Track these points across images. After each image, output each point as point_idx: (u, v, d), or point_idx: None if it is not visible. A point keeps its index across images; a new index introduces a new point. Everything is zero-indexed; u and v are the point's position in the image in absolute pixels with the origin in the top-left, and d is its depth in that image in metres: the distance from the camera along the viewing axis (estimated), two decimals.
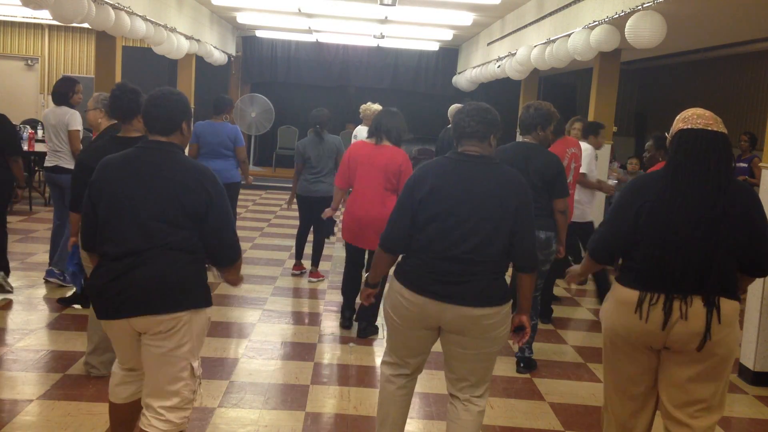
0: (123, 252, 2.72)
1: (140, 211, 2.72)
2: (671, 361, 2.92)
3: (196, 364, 2.83)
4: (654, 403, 3.06)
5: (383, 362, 3.30)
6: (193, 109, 13.27)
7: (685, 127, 2.90)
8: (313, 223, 6.97)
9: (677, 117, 2.99)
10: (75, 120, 6.12)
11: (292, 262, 7.57)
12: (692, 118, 2.91)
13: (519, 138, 4.89)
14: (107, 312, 2.79)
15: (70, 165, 5.99)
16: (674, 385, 2.92)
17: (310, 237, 7.08)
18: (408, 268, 3.05)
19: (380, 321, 5.49)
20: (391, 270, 3.20)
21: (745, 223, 2.83)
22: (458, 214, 2.95)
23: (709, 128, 2.86)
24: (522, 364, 4.86)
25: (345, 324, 5.55)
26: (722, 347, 2.84)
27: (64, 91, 6.15)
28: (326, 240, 7.09)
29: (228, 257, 2.89)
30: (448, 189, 2.99)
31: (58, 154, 6.11)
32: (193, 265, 2.78)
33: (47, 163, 6.21)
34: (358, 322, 5.46)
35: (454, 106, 8.20)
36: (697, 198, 2.81)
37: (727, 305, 2.83)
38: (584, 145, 6.29)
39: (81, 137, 6.24)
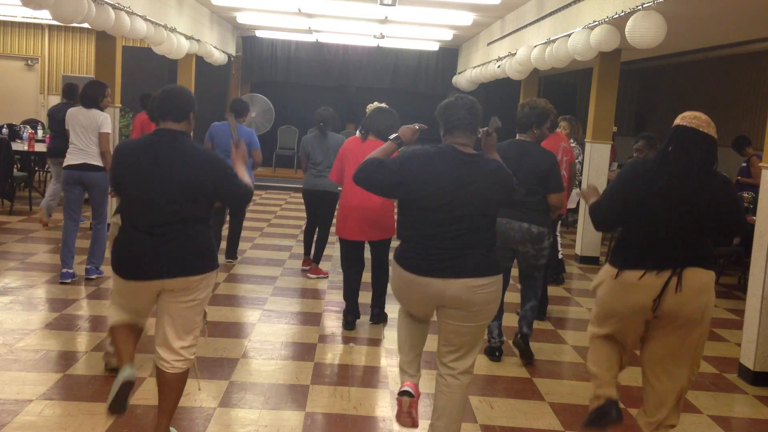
0: (152, 224, 3.24)
1: (163, 188, 3.23)
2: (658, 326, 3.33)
3: (206, 309, 3.52)
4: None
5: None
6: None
7: (680, 123, 3.24)
8: (319, 219, 7.05)
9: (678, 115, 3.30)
10: (107, 123, 6.33)
11: (293, 262, 7.58)
12: (688, 117, 3.25)
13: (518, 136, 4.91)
14: (145, 274, 3.28)
15: (98, 162, 6.23)
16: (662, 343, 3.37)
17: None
18: (409, 254, 3.27)
19: (388, 310, 5.66)
20: (392, 255, 3.45)
21: (715, 208, 3.22)
22: (449, 204, 3.17)
23: (701, 129, 3.20)
24: (518, 335, 4.92)
25: (347, 326, 5.56)
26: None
27: (93, 96, 6.34)
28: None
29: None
30: (439, 181, 3.19)
31: (86, 152, 6.21)
32: (209, 232, 3.40)
33: (72, 161, 6.23)
34: (371, 308, 5.69)
35: None
36: (678, 188, 3.17)
37: (704, 274, 3.25)
38: None
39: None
